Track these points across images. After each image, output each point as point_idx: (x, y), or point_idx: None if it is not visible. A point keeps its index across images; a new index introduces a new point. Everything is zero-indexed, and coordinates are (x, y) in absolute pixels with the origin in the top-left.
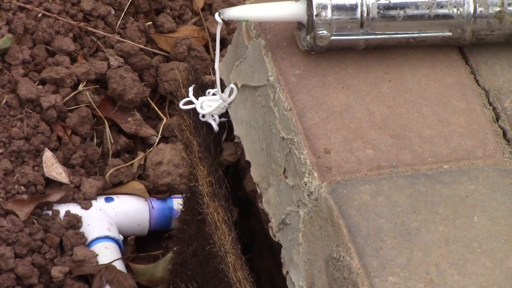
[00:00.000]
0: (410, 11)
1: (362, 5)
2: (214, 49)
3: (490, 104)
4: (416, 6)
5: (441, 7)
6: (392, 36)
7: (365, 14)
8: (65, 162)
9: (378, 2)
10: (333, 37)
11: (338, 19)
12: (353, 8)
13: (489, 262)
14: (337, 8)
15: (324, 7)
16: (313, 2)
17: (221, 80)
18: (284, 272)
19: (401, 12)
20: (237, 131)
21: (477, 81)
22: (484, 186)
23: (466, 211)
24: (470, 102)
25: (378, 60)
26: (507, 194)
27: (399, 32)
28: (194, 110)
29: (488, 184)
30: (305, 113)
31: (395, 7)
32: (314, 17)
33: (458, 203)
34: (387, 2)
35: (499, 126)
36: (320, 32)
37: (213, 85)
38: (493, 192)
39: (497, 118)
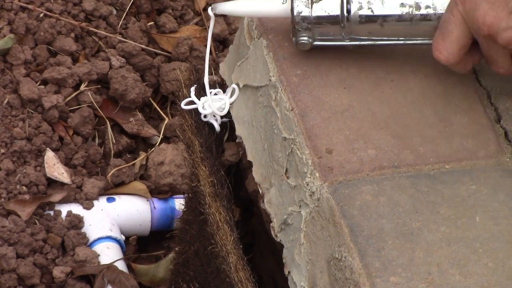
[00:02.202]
0: (392, 21)
1: (342, 12)
2: (216, 50)
3: (492, 104)
4: (399, 16)
5: (424, 16)
6: (377, 42)
7: (345, 21)
8: (67, 162)
9: (360, 11)
10: (316, 43)
11: (319, 27)
12: (334, 17)
13: (491, 262)
14: (317, 17)
15: (304, 17)
16: (294, 10)
17: (222, 80)
18: (286, 272)
19: (383, 21)
20: (239, 131)
21: (479, 81)
22: (486, 186)
23: (468, 212)
24: (472, 102)
25: (380, 60)
26: (509, 194)
27: (383, 39)
28: (196, 110)
29: (490, 185)
30: (307, 113)
31: (377, 17)
32: (295, 24)
33: (460, 203)
34: (369, 12)
35: (501, 127)
36: (301, 38)
37: (214, 85)
38: (495, 193)
39: (499, 119)
